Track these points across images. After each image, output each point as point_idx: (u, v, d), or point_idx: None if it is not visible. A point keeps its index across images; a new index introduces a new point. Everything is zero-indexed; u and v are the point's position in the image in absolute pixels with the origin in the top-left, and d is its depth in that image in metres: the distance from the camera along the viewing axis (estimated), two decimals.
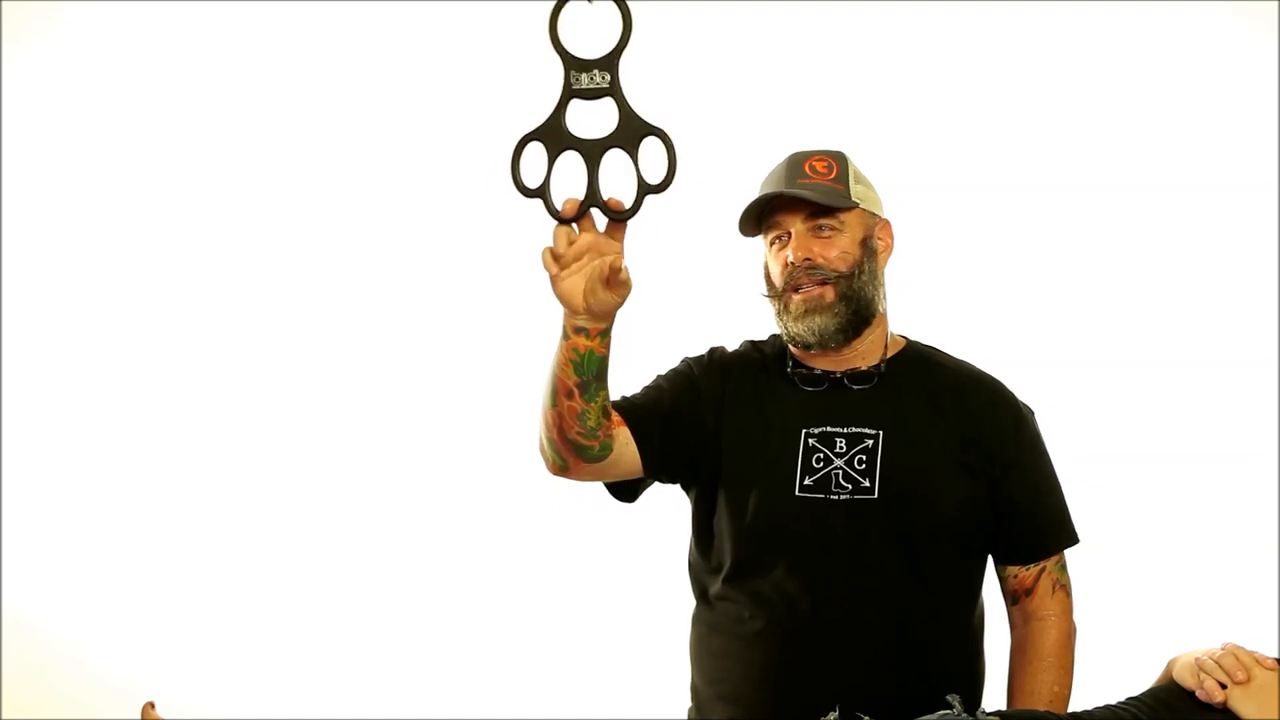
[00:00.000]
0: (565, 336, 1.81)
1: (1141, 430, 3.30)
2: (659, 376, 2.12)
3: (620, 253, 1.74)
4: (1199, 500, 3.28)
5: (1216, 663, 1.68)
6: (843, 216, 2.03)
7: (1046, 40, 3.39)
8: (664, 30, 2.31)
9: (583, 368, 1.83)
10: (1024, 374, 2.16)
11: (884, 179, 2.12)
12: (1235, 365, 3.29)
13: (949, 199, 3.23)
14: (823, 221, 2.02)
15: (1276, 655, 1.70)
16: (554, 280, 1.75)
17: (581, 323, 1.79)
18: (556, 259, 1.73)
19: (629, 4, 1.64)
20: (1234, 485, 3.27)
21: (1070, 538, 2.11)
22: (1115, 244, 3.36)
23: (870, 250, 2.05)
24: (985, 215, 3.36)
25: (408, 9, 3.50)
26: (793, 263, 2.02)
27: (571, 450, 1.93)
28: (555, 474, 2.00)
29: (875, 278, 2.05)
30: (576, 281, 1.75)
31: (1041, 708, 2.01)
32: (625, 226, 1.73)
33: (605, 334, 1.81)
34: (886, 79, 3.39)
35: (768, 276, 2.08)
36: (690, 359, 2.14)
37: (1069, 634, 2.08)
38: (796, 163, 2.05)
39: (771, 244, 2.06)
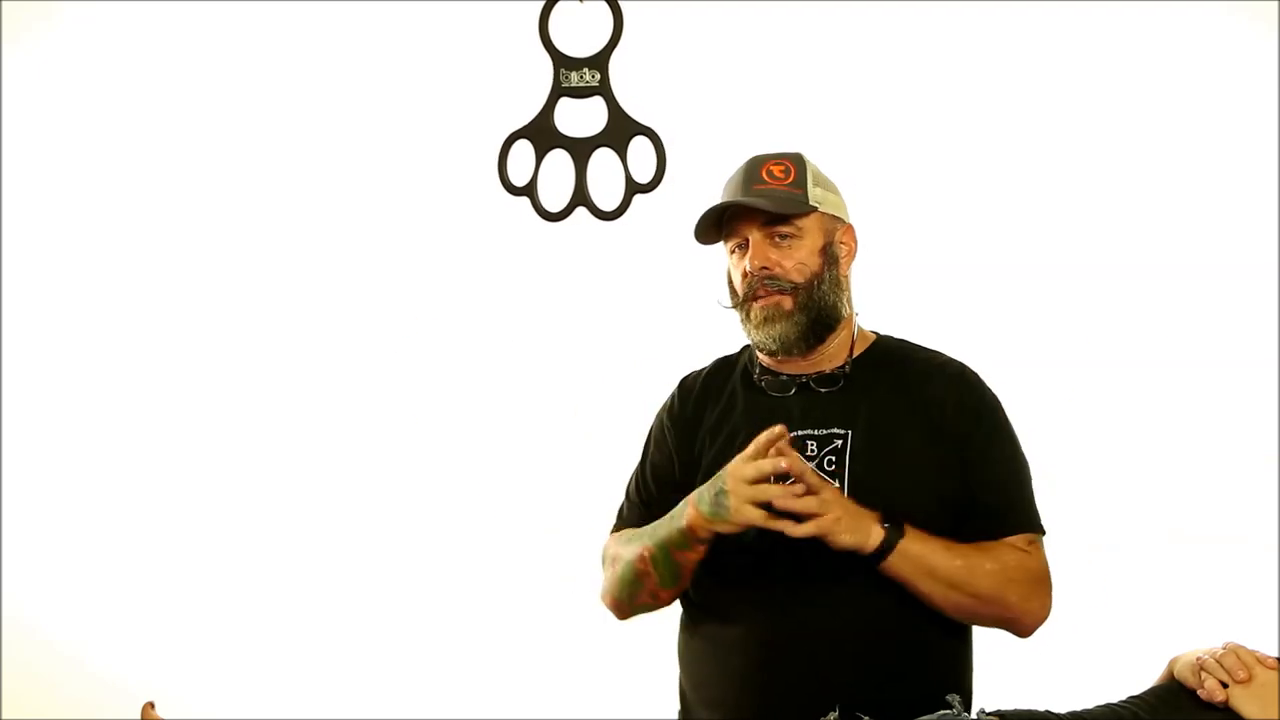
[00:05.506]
0: (683, 548, 1.93)
1: (1141, 430, 3.29)
2: (636, 466, 2.17)
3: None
4: (1199, 501, 3.28)
5: (1218, 662, 1.68)
6: (800, 223, 2.01)
7: (1046, 40, 3.38)
8: (655, 30, 2.31)
9: (681, 576, 1.98)
10: (1025, 374, 2.17)
11: (879, 179, 2.11)
12: (1235, 365, 3.29)
13: (947, 199, 3.22)
14: (780, 229, 2.01)
15: (1277, 655, 1.69)
16: (736, 510, 1.85)
17: (720, 529, 1.89)
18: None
19: (620, 3, 1.64)
20: (1234, 487, 3.26)
21: (1031, 524, 2.00)
22: (1115, 244, 3.36)
23: (831, 257, 2.03)
24: (985, 215, 3.35)
25: (399, 7, 3.49)
26: (750, 271, 2.01)
27: (634, 615, 2.12)
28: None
29: (838, 284, 2.04)
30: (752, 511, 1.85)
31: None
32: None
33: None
34: (882, 79, 3.38)
35: (731, 286, 2.07)
36: (661, 410, 2.16)
37: (1022, 562, 1.95)
38: (754, 168, 2.03)
39: (732, 252, 2.05)
